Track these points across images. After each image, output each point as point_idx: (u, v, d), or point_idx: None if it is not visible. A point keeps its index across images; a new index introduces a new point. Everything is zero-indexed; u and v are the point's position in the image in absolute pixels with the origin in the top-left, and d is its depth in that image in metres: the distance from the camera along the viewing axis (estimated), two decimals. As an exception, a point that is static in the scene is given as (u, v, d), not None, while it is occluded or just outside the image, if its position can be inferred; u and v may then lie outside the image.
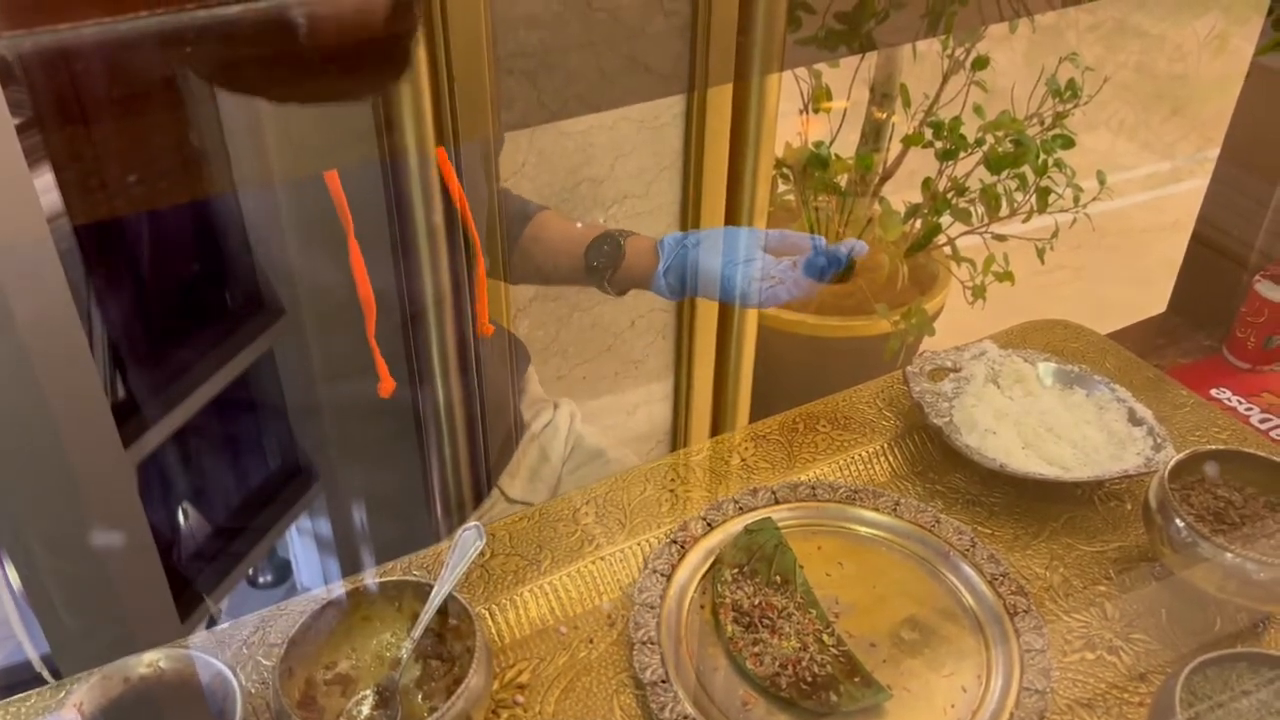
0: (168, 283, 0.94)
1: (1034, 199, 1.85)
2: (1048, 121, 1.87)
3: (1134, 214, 2.99)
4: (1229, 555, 0.77)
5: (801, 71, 1.95)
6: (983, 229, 1.91)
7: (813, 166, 1.95)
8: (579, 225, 1.10)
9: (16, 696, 0.75)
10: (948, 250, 1.97)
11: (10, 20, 0.46)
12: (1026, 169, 1.82)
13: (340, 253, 0.89)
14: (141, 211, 0.80)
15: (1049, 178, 1.83)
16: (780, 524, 0.88)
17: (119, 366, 0.91)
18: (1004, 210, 1.86)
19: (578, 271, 1.06)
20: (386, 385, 0.92)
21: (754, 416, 1.77)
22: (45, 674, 0.95)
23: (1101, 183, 1.85)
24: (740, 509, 0.90)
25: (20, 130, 0.64)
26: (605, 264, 1.03)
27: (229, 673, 0.67)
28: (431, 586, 0.74)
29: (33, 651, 0.97)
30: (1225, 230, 1.38)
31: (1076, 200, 1.85)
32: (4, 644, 1.02)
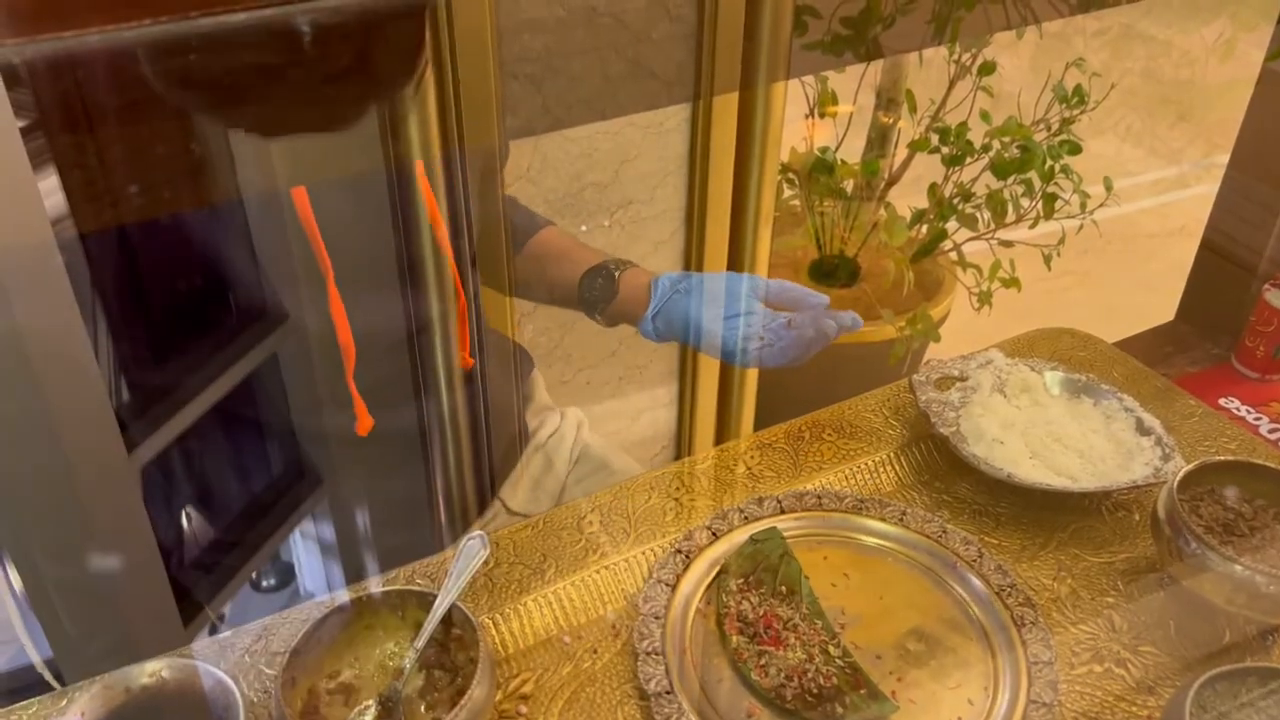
0: (172, 288, 0.93)
1: (1040, 205, 1.84)
2: (1054, 127, 1.87)
3: (1141, 220, 2.99)
4: (1238, 567, 0.77)
5: (808, 76, 1.95)
6: (989, 235, 1.91)
7: (818, 172, 1.95)
8: (580, 249, 1.09)
9: (18, 705, 0.74)
10: (953, 256, 1.97)
11: (17, 28, 0.46)
12: (1033, 175, 1.81)
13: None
14: (145, 218, 0.80)
15: (1055, 184, 1.82)
16: (786, 534, 0.87)
17: (123, 372, 0.90)
18: (1010, 216, 1.86)
19: (570, 299, 1.07)
20: (364, 424, 0.91)
21: (758, 421, 1.77)
22: (49, 678, 0.95)
23: (1108, 189, 1.84)
24: (745, 518, 0.90)
25: (26, 139, 0.63)
26: (597, 298, 1.04)
27: (231, 682, 0.67)
28: (435, 596, 0.74)
29: (36, 656, 0.97)
30: (1234, 238, 1.38)
31: (1083, 206, 1.84)
32: (6, 648, 1.02)
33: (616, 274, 1.03)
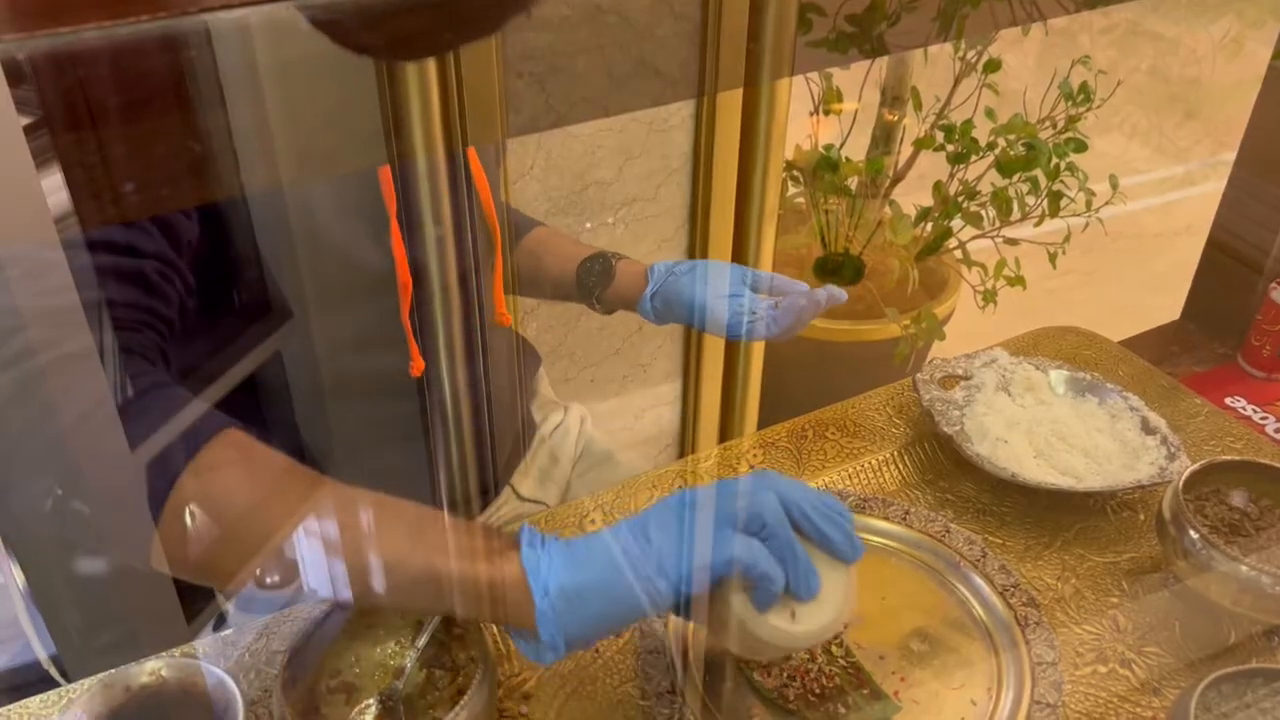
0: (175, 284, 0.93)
1: (1045, 203, 1.84)
2: (1060, 125, 1.86)
3: (1147, 219, 2.98)
4: (1244, 568, 0.76)
5: (812, 73, 1.94)
6: (994, 233, 1.90)
7: (822, 169, 1.94)
8: (574, 243, 1.13)
9: (18, 703, 0.74)
10: (958, 254, 1.96)
11: (20, 23, 0.45)
12: (1038, 173, 1.81)
13: (352, 250, 0.89)
14: (148, 216, 0.80)
15: (1061, 182, 1.82)
16: (789, 532, 0.87)
17: (126, 369, 0.90)
18: (1015, 214, 1.85)
19: (568, 288, 1.09)
20: (418, 365, 0.93)
21: (762, 418, 1.77)
22: (54, 673, 0.95)
23: (1114, 187, 1.84)
24: (748, 517, 0.90)
25: (28, 134, 0.63)
26: (595, 283, 1.07)
27: (231, 681, 0.66)
28: (436, 594, 0.74)
29: (42, 652, 0.97)
30: (1241, 236, 1.37)
31: (1088, 204, 1.84)
32: (10, 645, 1.02)
33: (614, 261, 1.06)
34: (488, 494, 1.11)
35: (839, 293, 0.95)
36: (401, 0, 0.51)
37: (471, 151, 0.93)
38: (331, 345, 0.96)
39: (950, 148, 1.86)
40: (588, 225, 1.57)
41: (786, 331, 0.95)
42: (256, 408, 1.01)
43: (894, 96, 2.06)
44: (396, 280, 0.90)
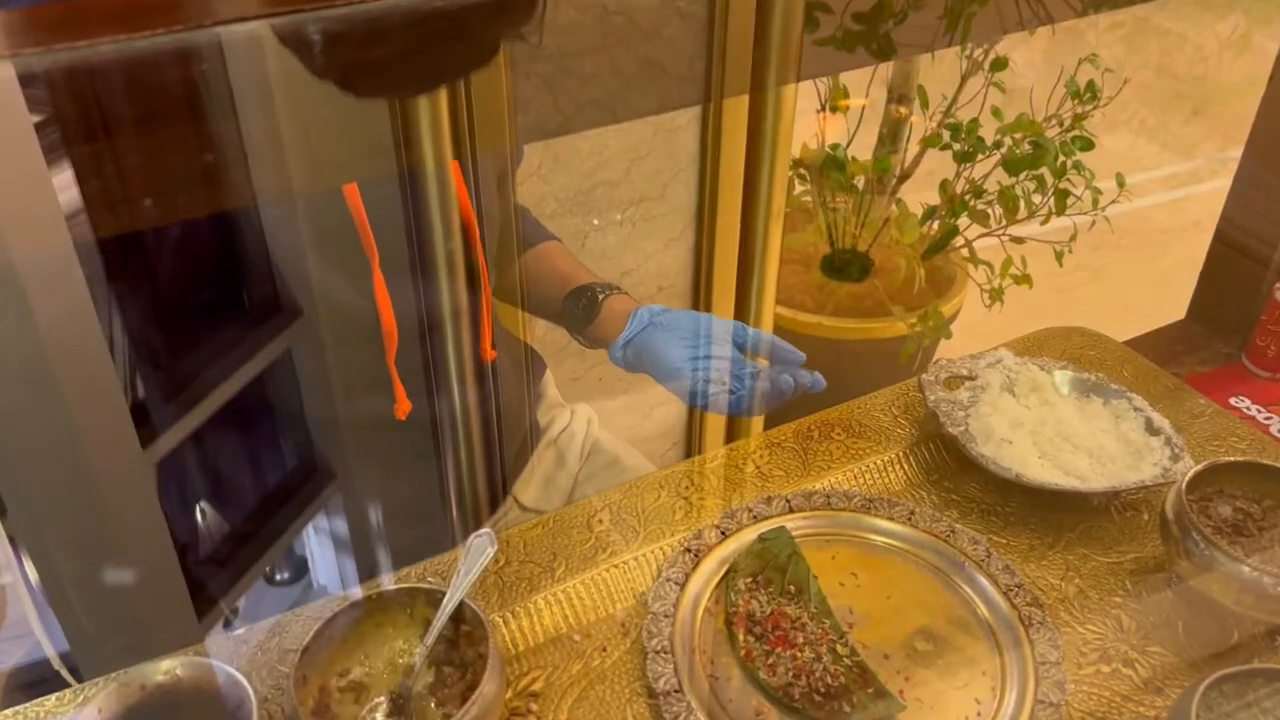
0: (186, 284, 0.94)
1: (1052, 201, 1.84)
2: (1067, 123, 1.86)
3: (1153, 216, 2.97)
4: (1246, 568, 0.77)
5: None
6: (1000, 231, 1.90)
7: (829, 168, 1.95)
8: (576, 268, 1.08)
9: (34, 701, 0.75)
10: (965, 253, 1.97)
11: (35, 36, 0.46)
12: (1045, 171, 1.81)
13: (361, 263, 0.90)
14: (161, 221, 0.81)
15: (1067, 180, 1.82)
16: (794, 533, 0.88)
17: (137, 368, 0.91)
18: (1022, 212, 1.85)
19: (555, 315, 1.06)
20: (403, 407, 0.93)
21: (768, 420, 1.77)
22: (65, 674, 0.96)
23: (1120, 185, 1.84)
24: (754, 517, 0.90)
25: (40, 140, 0.64)
26: (578, 318, 1.03)
27: (244, 680, 0.68)
28: (444, 593, 0.75)
29: (52, 651, 0.98)
30: (1247, 233, 1.37)
31: (1095, 202, 1.84)
32: (23, 642, 1.03)
33: (601, 297, 1.02)
34: (495, 504, 1.11)
35: (815, 381, 0.93)
36: (372, 35, 0.51)
37: (455, 171, 0.90)
38: (324, 367, 0.96)
39: (957, 146, 1.87)
40: (595, 222, 1.58)
41: (746, 413, 0.92)
42: (267, 411, 1.02)
43: (900, 95, 2.06)
44: (381, 328, 0.89)
